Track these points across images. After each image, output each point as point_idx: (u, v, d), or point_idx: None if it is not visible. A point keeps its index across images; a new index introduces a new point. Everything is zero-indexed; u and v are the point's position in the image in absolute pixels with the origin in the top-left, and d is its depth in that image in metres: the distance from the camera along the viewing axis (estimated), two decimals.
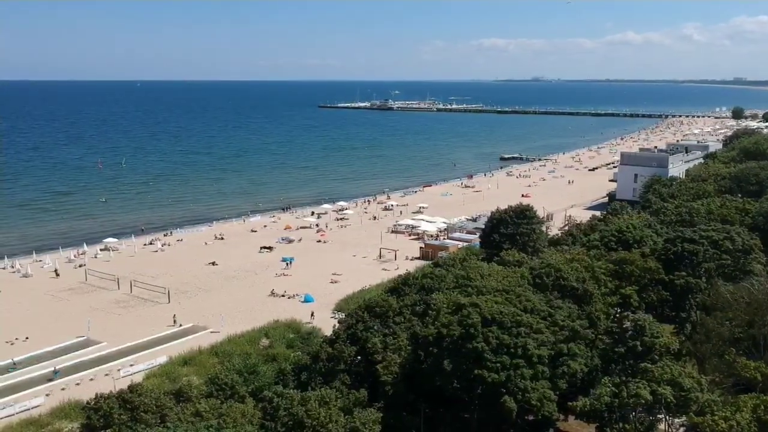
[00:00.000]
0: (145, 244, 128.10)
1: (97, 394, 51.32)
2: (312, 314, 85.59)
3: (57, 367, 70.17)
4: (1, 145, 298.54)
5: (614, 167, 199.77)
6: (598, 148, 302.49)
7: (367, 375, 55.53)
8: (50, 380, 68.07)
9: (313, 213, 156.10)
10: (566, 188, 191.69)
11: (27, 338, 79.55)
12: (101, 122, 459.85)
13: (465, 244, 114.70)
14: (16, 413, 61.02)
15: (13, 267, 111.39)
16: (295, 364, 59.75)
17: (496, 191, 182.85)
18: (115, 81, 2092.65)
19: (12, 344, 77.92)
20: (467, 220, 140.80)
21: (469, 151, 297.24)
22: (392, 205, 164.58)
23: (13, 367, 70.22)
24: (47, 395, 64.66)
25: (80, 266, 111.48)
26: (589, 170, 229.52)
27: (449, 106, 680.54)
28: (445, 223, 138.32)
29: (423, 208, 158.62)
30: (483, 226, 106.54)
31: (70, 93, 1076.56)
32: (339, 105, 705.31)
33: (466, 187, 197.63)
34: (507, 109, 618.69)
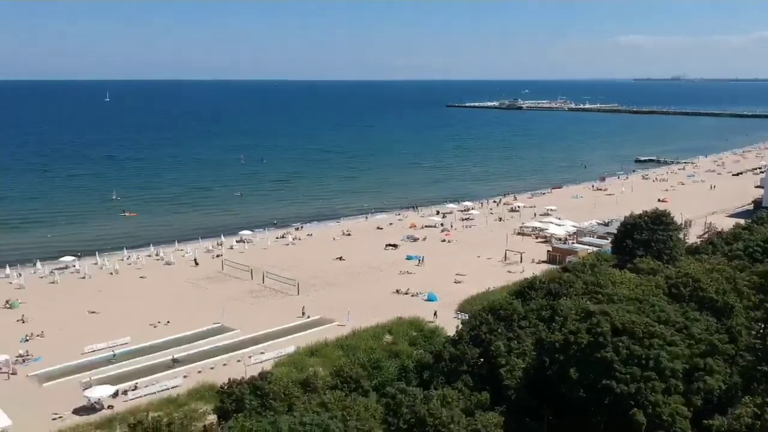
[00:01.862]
0: (277, 238, 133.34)
1: (230, 379, 53.99)
2: (435, 313, 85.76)
3: (176, 356, 74.24)
4: (145, 141, 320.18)
5: (761, 172, 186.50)
6: (744, 151, 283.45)
7: (490, 378, 54.97)
8: (169, 368, 71.98)
9: (438, 212, 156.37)
10: (707, 193, 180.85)
11: (168, 322, 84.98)
12: (240, 120, 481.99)
13: (595, 249, 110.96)
14: (158, 392, 65.26)
15: (157, 255, 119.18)
16: (417, 362, 60.13)
17: (630, 195, 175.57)
18: (251, 80, 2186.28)
19: (155, 327, 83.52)
20: (598, 224, 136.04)
21: (601, 153, 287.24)
22: (519, 207, 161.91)
23: (114, 359, 74.85)
24: (185, 377, 68.67)
25: (217, 256, 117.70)
26: (733, 175, 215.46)
27: (582, 106, 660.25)
28: (574, 226, 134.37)
29: (551, 210, 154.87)
30: (615, 231, 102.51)
31: (213, 92, 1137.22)
32: (467, 104, 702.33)
33: (598, 189, 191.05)
34: (644, 110, 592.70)
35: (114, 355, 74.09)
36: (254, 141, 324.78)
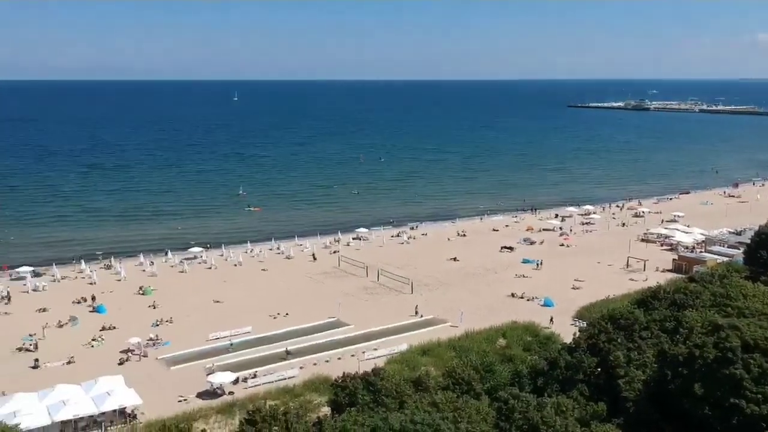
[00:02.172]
0: (392, 236, 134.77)
1: (344, 373, 55.03)
2: (551, 319, 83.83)
3: (289, 348, 76.12)
4: (269, 140, 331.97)
5: None
6: None
7: (607, 389, 53.01)
8: (283, 359, 73.84)
9: (557, 215, 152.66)
10: None
11: (287, 314, 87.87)
12: (359, 119, 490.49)
13: (726, 259, 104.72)
14: (275, 381, 67.60)
15: (278, 249, 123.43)
16: (531, 368, 58.92)
17: (766, 203, 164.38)
18: (375, 81, 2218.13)
19: (274, 318, 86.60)
20: (729, 232, 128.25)
21: (735, 157, 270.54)
22: (644, 212, 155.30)
23: (231, 348, 77.63)
24: (301, 368, 70.75)
25: (334, 252, 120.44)
26: None
27: (714, 108, 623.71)
28: (703, 234, 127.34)
29: (678, 216, 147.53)
30: (749, 241, 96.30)
31: (337, 92, 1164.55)
32: (590, 105, 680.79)
33: (730, 196, 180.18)
34: None
35: (231, 344, 77.40)
36: (374, 140, 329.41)
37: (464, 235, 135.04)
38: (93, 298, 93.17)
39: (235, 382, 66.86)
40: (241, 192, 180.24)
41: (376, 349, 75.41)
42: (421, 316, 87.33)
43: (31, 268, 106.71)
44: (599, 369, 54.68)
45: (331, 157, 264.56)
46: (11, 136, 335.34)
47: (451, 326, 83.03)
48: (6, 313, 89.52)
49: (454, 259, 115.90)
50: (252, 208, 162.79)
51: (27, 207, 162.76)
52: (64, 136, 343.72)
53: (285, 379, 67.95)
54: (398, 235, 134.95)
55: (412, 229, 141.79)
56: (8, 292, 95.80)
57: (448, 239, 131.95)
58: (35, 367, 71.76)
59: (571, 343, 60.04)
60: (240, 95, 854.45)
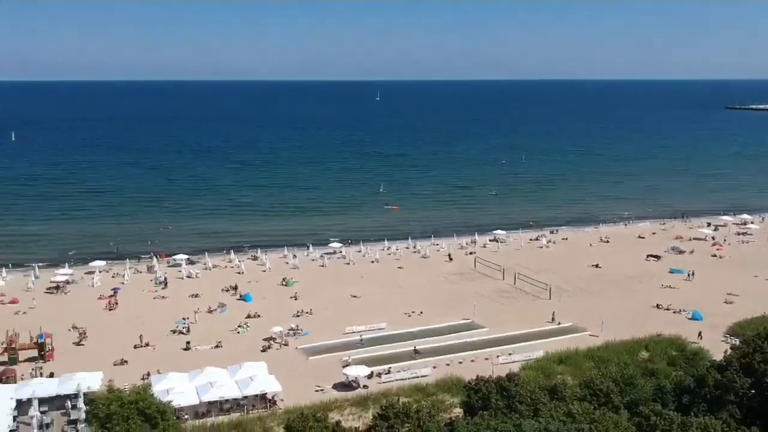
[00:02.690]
0: (531, 239, 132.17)
1: (477, 376, 54.78)
2: (699, 334, 78.89)
3: (422, 347, 76.67)
4: (409, 139, 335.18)
5: None
6: None
7: (762, 412, 49.34)
8: (412, 358, 74.13)
9: (709, 224, 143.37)
10: None
11: (421, 313, 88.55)
12: (496, 119, 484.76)
13: None
14: (408, 378, 68.30)
15: (414, 248, 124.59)
16: (676, 385, 55.84)
17: None
18: (510, 81, 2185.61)
19: (409, 316, 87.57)
20: None
21: None
22: None
23: (361, 344, 78.63)
24: (434, 368, 71.02)
25: (470, 254, 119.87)
26: None
27: None
28: None
29: None
30: None
31: (475, 92, 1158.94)
32: (752, 107, 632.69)
33: None
34: None
35: (361, 339, 78.97)
36: (515, 141, 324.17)
37: (607, 241, 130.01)
38: (235, 288, 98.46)
39: (370, 376, 68.22)
40: (382, 190, 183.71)
41: (510, 354, 74.27)
42: (559, 323, 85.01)
43: (186, 256, 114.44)
44: (753, 390, 50.97)
45: (471, 157, 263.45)
46: (168, 135, 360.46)
47: (591, 335, 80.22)
48: (163, 297, 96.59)
49: (596, 265, 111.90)
50: (390, 207, 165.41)
51: (184, 200, 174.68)
52: (217, 134, 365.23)
53: (418, 377, 68.51)
54: (537, 239, 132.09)
55: (551, 232, 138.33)
56: (166, 278, 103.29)
57: (590, 245, 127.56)
58: (187, 349, 76.84)
59: (721, 360, 56.41)
60: (382, 95, 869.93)
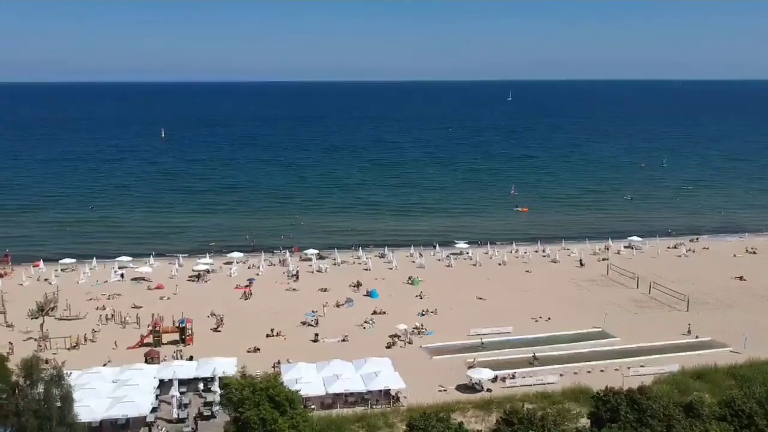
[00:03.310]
0: (668, 248, 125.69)
1: (607, 387, 52.74)
2: None
3: (548, 354, 74.82)
4: (538, 141, 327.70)
5: None
6: None
7: None
8: (530, 363, 72.49)
9: None
10: None
11: (549, 318, 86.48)
12: (634, 121, 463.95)
13: None
14: (533, 385, 66.93)
15: (544, 251, 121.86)
16: None
17: None
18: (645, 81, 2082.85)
19: (536, 321, 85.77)
20: None
21: None
22: None
23: (482, 346, 77.19)
24: (561, 375, 69.14)
25: (603, 260, 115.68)
26: None
27: None
28: None
29: None
30: None
31: (610, 92, 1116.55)
32: None
33: None
34: None
35: (482, 343, 78.08)
36: (654, 144, 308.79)
37: (754, 252, 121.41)
38: (359, 284, 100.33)
39: (494, 380, 67.43)
40: (513, 192, 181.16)
41: (642, 366, 71.01)
42: (696, 337, 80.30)
43: (317, 251, 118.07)
44: None
45: (605, 160, 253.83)
46: (303, 133, 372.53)
47: (732, 352, 75.15)
48: (294, 289, 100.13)
49: (740, 278, 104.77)
50: (519, 209, 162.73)
51: (315, 196, 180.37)
52: (348, 132, 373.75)
53: (543, 384, 66.98)
54: (675, 247, 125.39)
55: (691, 241, 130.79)
56: (297, 271, 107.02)
57: (734, 255, 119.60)
58: (315, 341, 79.21)
59: None
60: (514, 95, 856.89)
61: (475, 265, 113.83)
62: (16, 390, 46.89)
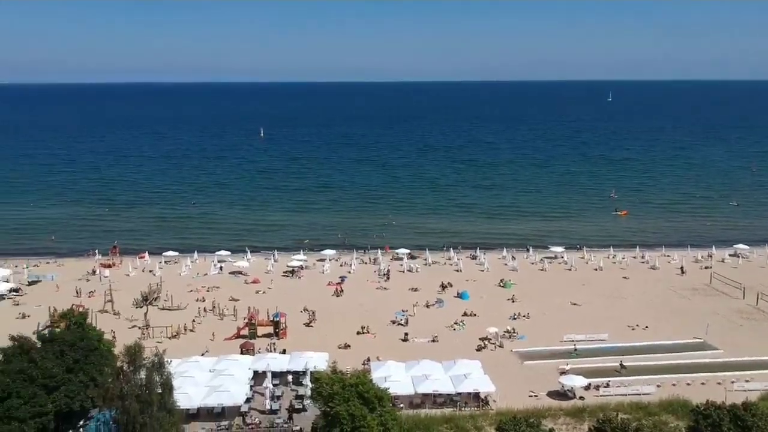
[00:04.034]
0: None
1: (708, 401, 50.40)
2: None
3: (624, 363, 71.88)
4: (641, 143, 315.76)
5: None
6: None
7: None
8: (617, 372, 70.04)
9: None
10: None
11: (646, 327, 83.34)
12: (743, 122, 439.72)
13: None
14: (628, 395, 64.66)
15: (642, 258, 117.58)
16: None
17: None
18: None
19: (633, 329, 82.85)
20: None
21: None
22: None
23: (575, 353, 74.86)
24: (658, 386, 66.48)
25: (706, 268, 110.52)
26: None
27: None
28: None
29: None
30: None
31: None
32: None
33: None
34: None
35: (575, 349, 76.03)
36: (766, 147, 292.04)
37: None
38: (445, 286, 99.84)
39: (587, 387, 65.66)
40: (613, 194, 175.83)
41: (747, 381, 67.42)
42: None
43: (408, 251, 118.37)
44: None
45: (713, 164, 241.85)
46: (398, 133, 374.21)
47: None
48: (385, 288, 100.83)
49: None
50: (618, 213, 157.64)
51: (406, 196, 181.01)
52: (444, 132, 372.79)
53: (639, 394, 64.64)
54: None
55: None
56: (388, 270, 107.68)
57: None
58: (405, 340, 79.47)
59: None
60: (615, 96, 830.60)
61: (570, 269, 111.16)
62: (120, 375, 49.38)
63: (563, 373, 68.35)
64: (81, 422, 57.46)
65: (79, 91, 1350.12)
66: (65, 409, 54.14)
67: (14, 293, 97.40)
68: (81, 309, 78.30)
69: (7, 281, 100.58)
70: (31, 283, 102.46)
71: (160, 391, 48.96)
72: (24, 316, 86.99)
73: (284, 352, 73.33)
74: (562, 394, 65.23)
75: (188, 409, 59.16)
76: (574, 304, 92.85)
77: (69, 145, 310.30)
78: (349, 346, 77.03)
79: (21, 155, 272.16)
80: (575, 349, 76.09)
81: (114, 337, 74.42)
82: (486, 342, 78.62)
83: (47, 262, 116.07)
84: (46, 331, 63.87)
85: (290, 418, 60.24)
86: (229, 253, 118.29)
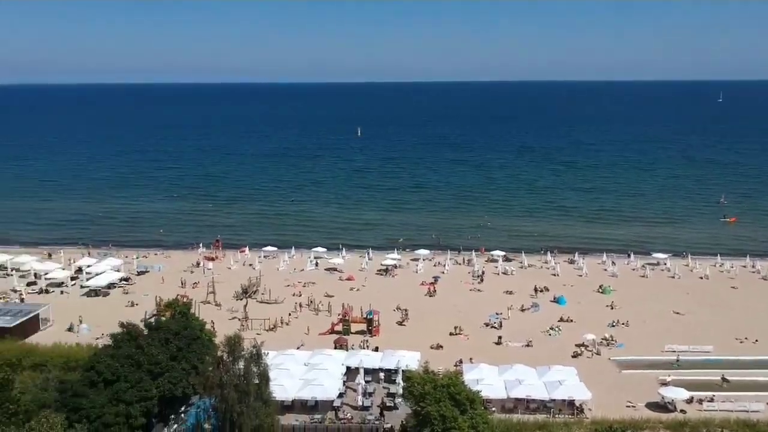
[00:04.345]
0: None
1: None
2: None
3: (726, 376, 68.35)
4: (755, 147, 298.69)
5: None
6: None
7: None
8: (719, 386, 66.63)
9: None
10: None
11: (756, 340, 78.96)
12: None
13: None
14: (734, 411, 61.37)
15: (753, 267, 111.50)
16: None
17: None
18: None
19: (741, 342, 78.74)
20: None
21: None
22: None
23: (677, 364, 71.30)
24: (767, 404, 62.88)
25: None
26: None
27: None
28: None
29: None
30: None
31: None
32: None
33: None
34: None
35: (677, 360, 72.78)
36: None
37: None
38: (545, 289, 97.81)
39: (689, 401, 62.82)
40: (722, 200, 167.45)
41: None
42: None
43: (503, 253, 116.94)
44: None
45: None
46: (495, 133, 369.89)
47: None
48: (479, 290, 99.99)
49: None
50: (727, 219, 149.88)
51: (502, 197, 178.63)
52: (542, 133, 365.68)
53: (747, 411, 61.26)
54: None
55: None
56: (483, 272, 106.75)
57: None
58: (498, 343, 78.54)
59: None
60: (725, 97, 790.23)
61: (673, 277, 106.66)
62: (220, 364, 51.19)
63: (664, 384, 65.77)
64: (182, 408, 59.95)
65: (194, 90, 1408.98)
66: (168, 395, 56.62)
67: (125, 282, 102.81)
68: (185, 299, 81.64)
69: (119, 270, 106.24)
70: (139, 273, 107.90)
71: (257, 381, 50.42)
72: (132, 305, 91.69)
73: (377, 349, 73.98)
74: (661, 406, 62.72)
75: (283, 401, 60.61)
76: (677, 313, 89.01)
77: (177, 143, 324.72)
78: (441, 346, 76.87)
79: (135, 151, 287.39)
80: (677, 360, 73.01)
81: (214, 327, 77.18)
82: (582, 349, 76.61)
83: (155, 254, 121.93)
84: (152, 320, 67.00)
85: (381, 415, 60.70)
86: (324, 249, 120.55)
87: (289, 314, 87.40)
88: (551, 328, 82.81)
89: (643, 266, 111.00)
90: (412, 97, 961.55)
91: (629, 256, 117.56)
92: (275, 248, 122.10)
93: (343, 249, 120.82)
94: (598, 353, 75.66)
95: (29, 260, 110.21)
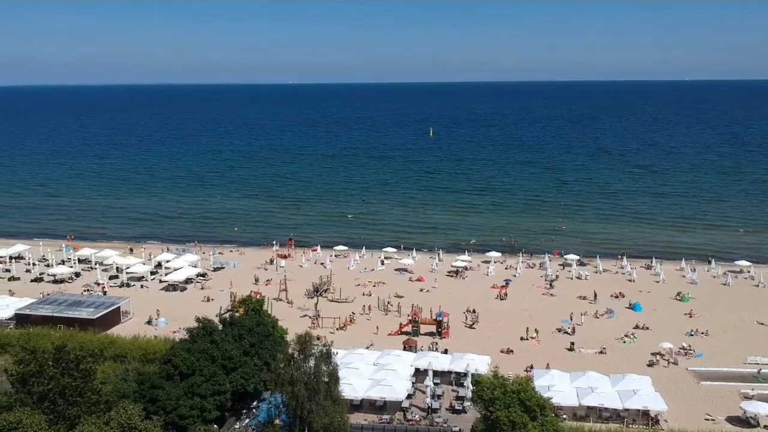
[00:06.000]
0: None
1: None
2: None
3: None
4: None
5: None
6: None
7: None
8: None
9: None
10: None
11: None
12: None
13: None
14: None
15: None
16: None
17: None
18: None
19: None
20: None
21: None
22: None
23: (761, 377, 68.29)
24: None
25: None
26: None
27: None
28: None
29: None
30: None
31: None
32: None
33: None
34: None
35: (760, 372, 69.64)
36: None
37: None
38: (620, 295, 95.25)
39: None
40: None
41: None
42: None
43: (578, 257, 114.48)
44: None
45: None
46: (570, 135, 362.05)
47: None
48: (551, 294, 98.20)
49: None
50: None
51: (578, 201, 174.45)
52: (618, 134, 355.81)
53: None
54: None
55: None
56: (556, 276, 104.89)
57: None
58: (570, 349, 76.92)
59: None
60: None
61: (757, 285, 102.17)
62: (291, 361, 51.91)
63: (747, 398, 62.99)
64: (254, 403, 61.13)
65: (269, 91, 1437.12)
66: (240, 390, 57.86)
67: (201, 278, 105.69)
68: (258, 296, 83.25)
69: (196, 266, 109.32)
70: (216, 269, 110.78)
71: (326, 380, 50.88)
72: (208, 300, 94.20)
73: (446, 351, 73.61)
74: (743, 421, 60.15)
75: (352, 400, 61.01)
76: (762, 323, 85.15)
77: (249, 142, 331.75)
78: (512, 351, 75.89)
79: (209, 151, 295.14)
80: (759, 372, 69.90)
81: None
82: (658, 357, 74.26)
83: (230, 251, 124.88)
84: (227, 315, 68.61)
85: (453, 414, 60.35)
86: (395, 250, 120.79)
87: (360, 313, 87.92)
88: (626, 336, 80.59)
89: (724, 273, 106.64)
90: (500, 97, 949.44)
91: (710, 262, 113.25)
92: (346, 247, 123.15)
93: (414, 250, 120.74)
94: (675, 363, 73.15)
95: (112, 254, 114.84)
